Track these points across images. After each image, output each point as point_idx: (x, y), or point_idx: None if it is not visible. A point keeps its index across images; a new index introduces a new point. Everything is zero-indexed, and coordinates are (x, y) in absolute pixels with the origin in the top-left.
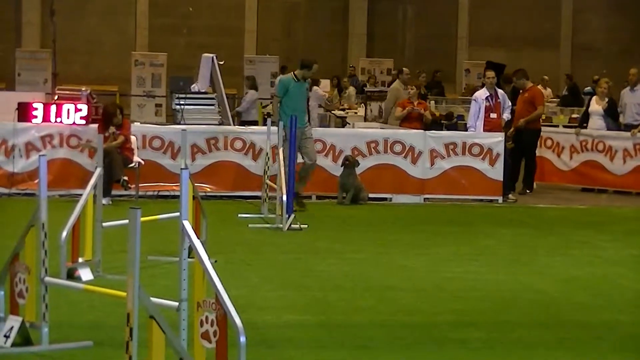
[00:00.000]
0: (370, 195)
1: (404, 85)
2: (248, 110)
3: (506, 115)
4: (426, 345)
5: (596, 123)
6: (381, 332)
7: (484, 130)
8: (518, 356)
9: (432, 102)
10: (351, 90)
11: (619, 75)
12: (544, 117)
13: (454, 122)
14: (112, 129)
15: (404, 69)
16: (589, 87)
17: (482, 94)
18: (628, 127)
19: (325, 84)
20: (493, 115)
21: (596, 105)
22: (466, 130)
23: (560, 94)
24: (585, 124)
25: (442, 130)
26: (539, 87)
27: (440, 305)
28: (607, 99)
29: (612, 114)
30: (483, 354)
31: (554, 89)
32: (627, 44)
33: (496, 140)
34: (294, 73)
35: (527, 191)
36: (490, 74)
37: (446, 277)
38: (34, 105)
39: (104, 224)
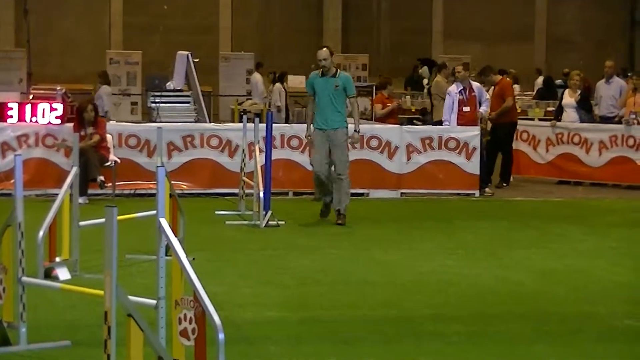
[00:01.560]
0: None
1: (446, 79)
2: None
3: (483, 109)
4: (406, 339)
5: (570, 115)
6: (361, 326)
7: (458, 124)
8: (498, 349)
9: (408, 97)
10: None
11: (595, 67)
12: (519, 109)
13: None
14: (90, 129)
15: (446, 63)
16: (559, 80)
17: (454, 87)
18: (603, 119)
19: (300, 79)
20: (466, 109)
21: (569, 98)
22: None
23: (532, 87)
24: (559, 117)
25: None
26: (507, 79)
27: (419, 300)
28: (579, 91)
29: (585, 106)
30: (462, 347)
31: (530, 82)
32: (602, 37)
33: (472, 134)
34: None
35: (504, 184)
36: (459, 68)
37: (424, 272)
38: (9, 105)
39: (80, 223)
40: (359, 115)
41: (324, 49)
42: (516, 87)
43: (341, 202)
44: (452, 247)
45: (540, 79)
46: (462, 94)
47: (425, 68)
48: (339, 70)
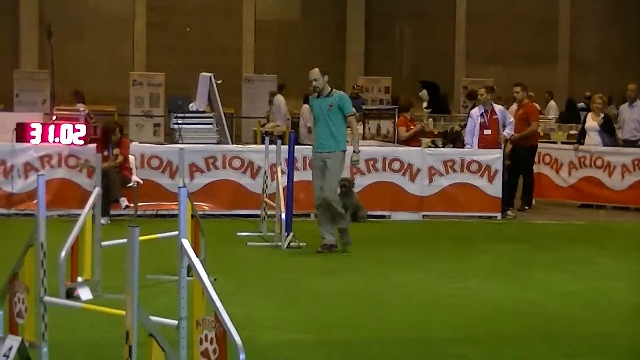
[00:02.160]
0: (369, 213)
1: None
2: None
3: (507, 132)
4: None
5: (593, 139)
6: (380, 349)
7: (479, 147)
8: None
9: (431, 120)
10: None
11: (616, 90)
12: (541, 133)
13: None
14: (116, 150)
15: (494, 87)
16: (581, 103)
17: (476, 110)
18: (626, 143)
19: None
20: (487, 132)
21: (592, 122)
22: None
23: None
24: (582, 140)
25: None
26: (533, 104)
27: (438, 321)
28: (602, 115)
29: (607, 129)
30: None
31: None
32: (622, 60)
33: (494, 157)
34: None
35: (526, 207)
36: (482, 91)
37: (444, 293)
38: (32, 125)
39: (102, 244)
40: (359, 135)
41: (315, 69)
42: (553, 104)
43: (337, 223)
44: (473, 269)
45: (552, 102)
46: (483, 117)
47: (425, 91)
48: (333, 90)
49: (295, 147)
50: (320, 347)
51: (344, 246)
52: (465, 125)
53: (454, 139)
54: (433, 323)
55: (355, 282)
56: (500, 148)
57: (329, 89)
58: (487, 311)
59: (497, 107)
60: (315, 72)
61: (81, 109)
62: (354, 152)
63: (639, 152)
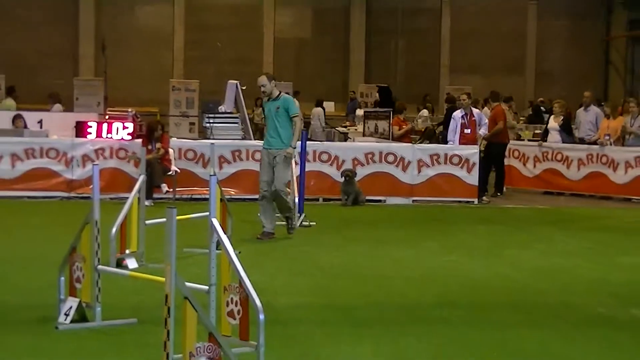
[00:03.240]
0: (368, 198)
1: (507, 107)
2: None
3: (482, 131)
4: (415, 322)
5: (554, 137)
6: (376, 312)
7: (460, 143)
8: (492, 332)
9: (419, 120)
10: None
11: (576, 98)
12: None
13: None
14: (158, 144)
15: (511, 97)
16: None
17: (458, 113)
18: (582, 141)
19: (331, 104)
20: (467, 131)
21: (553, 122)
22: (445, 143)
23: (526, 114)
24: (545, 138)
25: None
26: (503, 105)
27: (426, 290)
28: (562, 117)
29: (566, 129)
30: (462, 330)
31: (519, 109)
32: (582, 72)
33: (472, 152)
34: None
35: (498, 194)
36: (463, 96)
37: (431, 266)
38: (89, 123)
39: (146, 222)
40: (299, 133)
41: (263, 75)
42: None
43: (283, 212)
44: (455, 246)
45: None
46: (464, 119)
47: (425, 110)
48: (281, 93)
49: (307, 142)
50: (326, 309)
51: (290, 230)
52: (439, 124)
53: (430, 136)
54: (421, 291)
55: (356, 255)
56: (477, 145)
57: (277, 92)
58: (466, 282)
59: (475, 111)
60: (263, 79)
61: (129, 110)
62: (290, 146)
63: (592, 148)
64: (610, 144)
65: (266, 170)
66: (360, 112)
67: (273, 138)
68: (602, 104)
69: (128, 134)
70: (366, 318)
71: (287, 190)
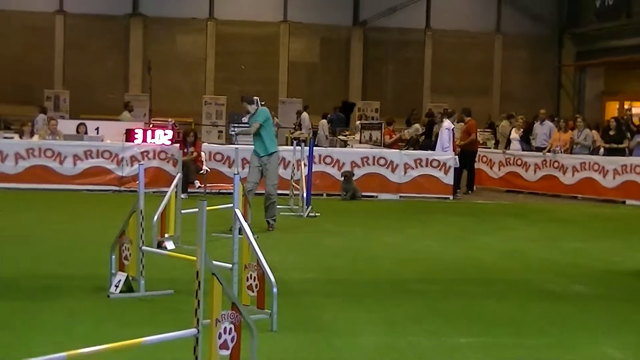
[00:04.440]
0: (363, 194)
1: (509, 123)
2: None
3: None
4: (400, 294)
5: (515, 145)
6: (369, 286)
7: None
8: (462, 302)
9: (406, 130)
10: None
11: (533, 114)
12: (480, 141)
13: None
14: (192, 148)
15: (513, 113)
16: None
17: (450, 125)
18: (538, 149)
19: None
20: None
21: (515, 134)
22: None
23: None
24: (508, 147)
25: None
26: (473, 121)
27: (409, 268)
28: (522, 129)
29: (526, 140)
30: (438, 300)
31: (483, 125)
32: (538, 94)
33: (449, 157)
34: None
35: (470, 192)
36: (455, 111)
37: (414, 249)
38: (136, 131)
39: (182, 211)
40: (252, 129)
41: (245, 103)
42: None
43: (272, 213)
44: (433, 233)
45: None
46: (452, 130)
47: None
48: (259, 108)
49: (314, 148)
50: (329, 283)
51: (270, 229)
52: (422, 134)
53: (414, 144)
54: (406, 269)
55: (354, 240)
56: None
57: (256, 109)
58: (442, 262)
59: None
60: (246, 106)
61: (169, 120)
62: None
63: (546, 155)
64: (560, 152)
65: (254, 175)
66: (357, 123)
67: (260, 147)
68: (555, 118)
69: (168, 139)
70: (361, 290)
71: (276, 193)
